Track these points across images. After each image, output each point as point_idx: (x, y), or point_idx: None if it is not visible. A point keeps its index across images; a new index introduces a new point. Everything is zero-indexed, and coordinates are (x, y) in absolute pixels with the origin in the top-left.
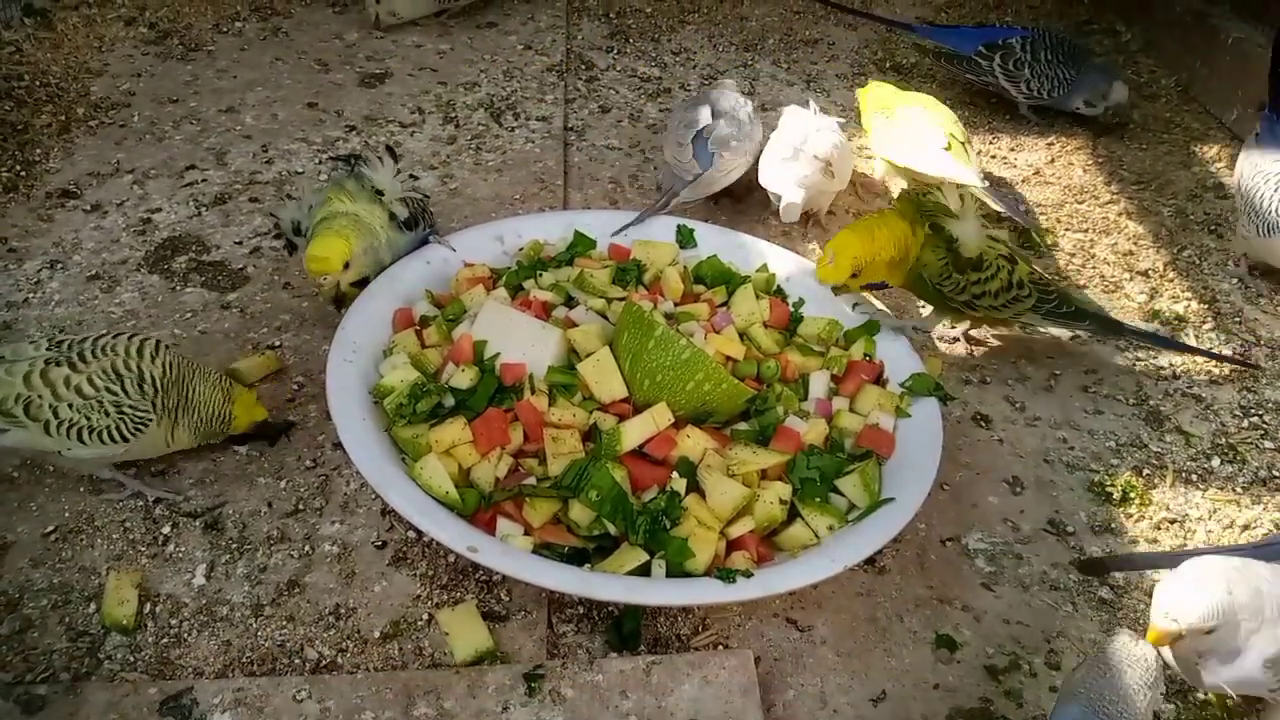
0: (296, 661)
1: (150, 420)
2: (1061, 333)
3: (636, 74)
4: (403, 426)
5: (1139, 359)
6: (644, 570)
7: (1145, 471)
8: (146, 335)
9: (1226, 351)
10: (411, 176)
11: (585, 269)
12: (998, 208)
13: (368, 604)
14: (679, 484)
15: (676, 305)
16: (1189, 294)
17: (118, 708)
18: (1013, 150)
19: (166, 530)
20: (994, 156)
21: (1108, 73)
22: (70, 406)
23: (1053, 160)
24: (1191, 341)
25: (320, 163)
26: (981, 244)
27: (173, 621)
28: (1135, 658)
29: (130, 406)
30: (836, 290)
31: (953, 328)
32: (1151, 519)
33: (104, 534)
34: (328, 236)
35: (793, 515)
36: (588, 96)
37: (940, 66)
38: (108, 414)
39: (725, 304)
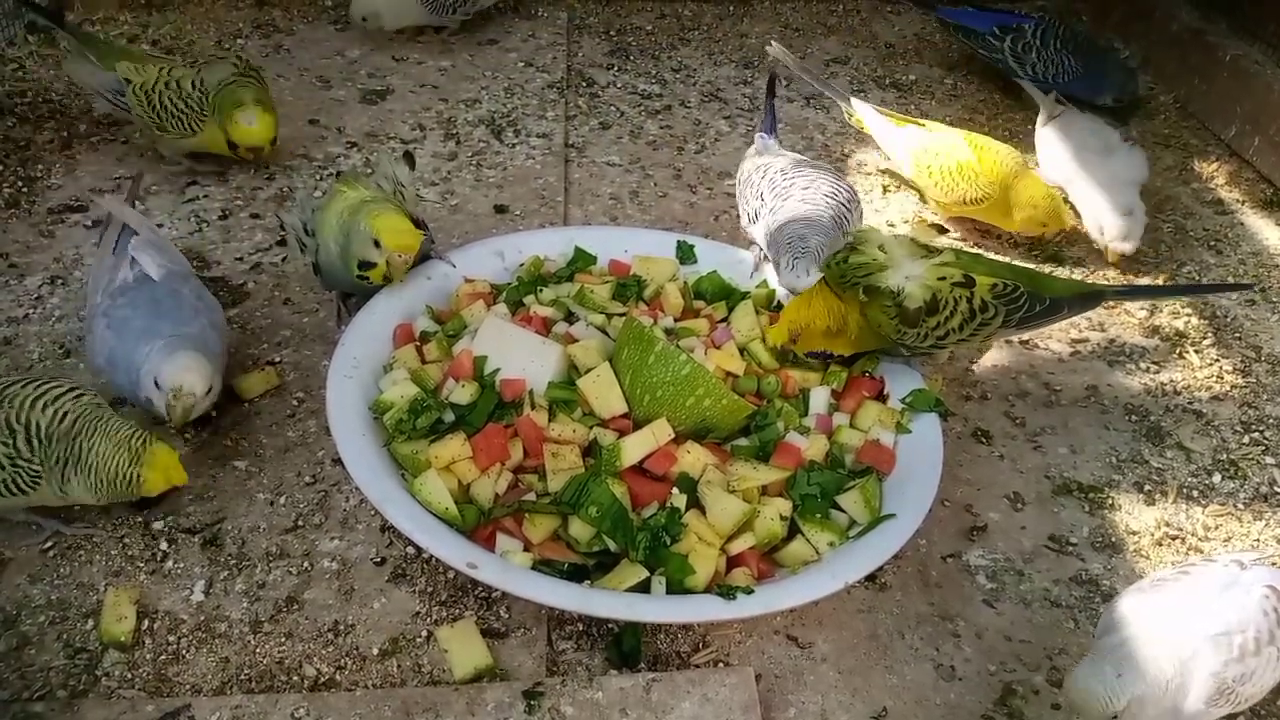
0: (295, 679)
1: (40, 476)
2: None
3: (637, 91)
4: (402, 442)
5: (1139, 375)
6: (644, 587)
7: (1146, 487)
8: (58, 382)
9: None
10: (418, 196)
11: (585, 285)
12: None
13: (366, 621)
14: (679, 500)
15: (676, 321)
16: (1189, 310)
17: None
18: None
19: (165, 547)
20: None
21: (1126, 71)
22: None
23: None
24: (1192, 356)
25: (320, 179)
26: (928, 285)
27: (171, 638)
28: None
29: (25, 461)
30: (785, 354)
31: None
32: (1153, 535)
33: (102, 550)
34: (392, 215)
35: (793, 531)
36: (588, 113)
37: (956, 41)
38: (1, 467)
39: (725, 319)
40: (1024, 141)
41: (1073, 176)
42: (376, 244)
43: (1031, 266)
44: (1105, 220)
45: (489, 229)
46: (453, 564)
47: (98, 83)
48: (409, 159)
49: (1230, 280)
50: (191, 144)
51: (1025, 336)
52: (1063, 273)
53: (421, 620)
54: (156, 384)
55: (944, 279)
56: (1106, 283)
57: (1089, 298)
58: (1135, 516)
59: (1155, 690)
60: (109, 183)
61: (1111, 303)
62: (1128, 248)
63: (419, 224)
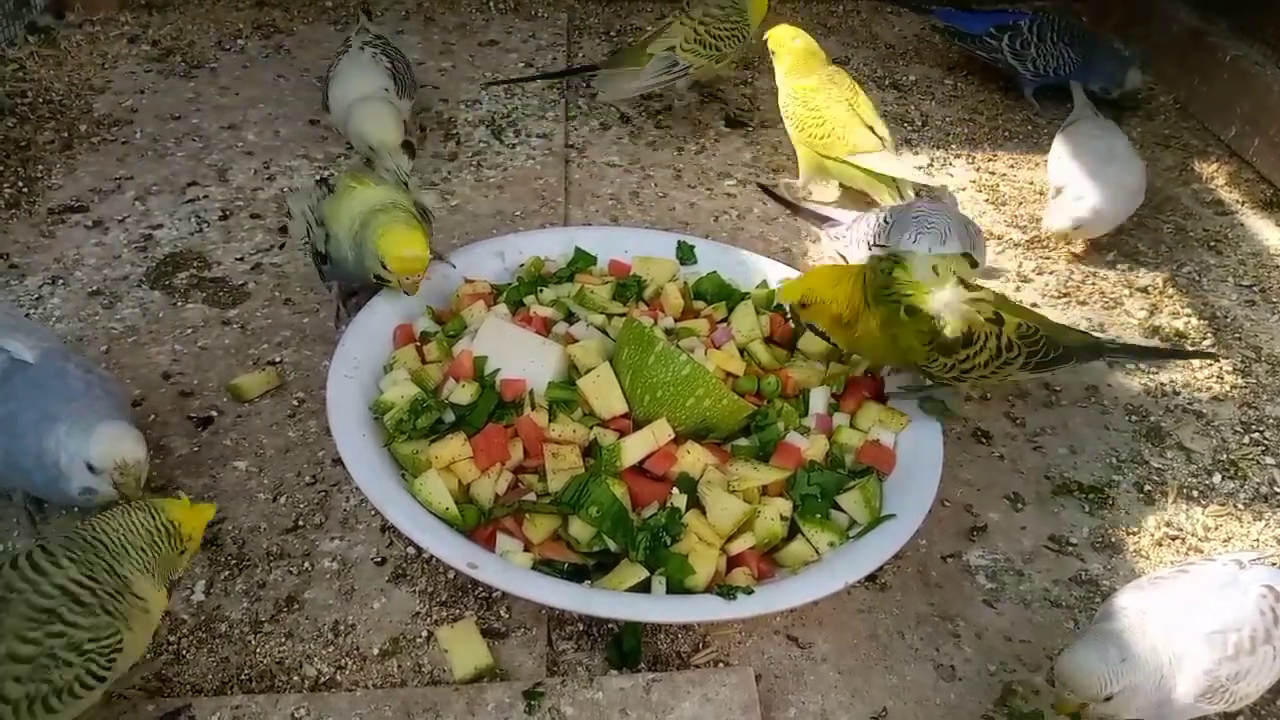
0: (295, 679)
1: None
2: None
3: None
4: (402, 442)
5: (1139, 376)
6: (644, 587)
7: (1146, 488)
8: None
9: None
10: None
11: (586, 285)
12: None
13: (367, 621)
14: (679, 500)
15: (676, 321)
16: (1189, 310)
17: None
18: (1011, 167)
19: None
20: (993, 173)
21: (1122, 60)
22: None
23: None
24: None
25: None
26: (966, 318)
27: (171, 638)
28: None
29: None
30: (788, 315)
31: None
32: (1153, 535)
33: None
34: (404, 230)
35: (793, 532)
36: (588, 114)
37: (952, 45)
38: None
39: (725, 320)
40: (1023, 141)
41: (1069, 179)
42: (385, 266)
43: (1048, 316)
44: (1054, 201)
45: (489, 229)
46: (453, 564)
47: (643, 79)
48: (409, 149)
49: (1230, 281)
50: (742, 51)
51: (1032, 379)
52: (1053, 269)
53: (422, 620)
54: (91, 468)
55: (979, 313)
56: (1108, 337)
57: (1091, 350)
58: (1135, 517)
59: (1147, 682)
60: (109, 183)
61: (1108, 359)
62: (1054, 224)
63: (424, 213)
